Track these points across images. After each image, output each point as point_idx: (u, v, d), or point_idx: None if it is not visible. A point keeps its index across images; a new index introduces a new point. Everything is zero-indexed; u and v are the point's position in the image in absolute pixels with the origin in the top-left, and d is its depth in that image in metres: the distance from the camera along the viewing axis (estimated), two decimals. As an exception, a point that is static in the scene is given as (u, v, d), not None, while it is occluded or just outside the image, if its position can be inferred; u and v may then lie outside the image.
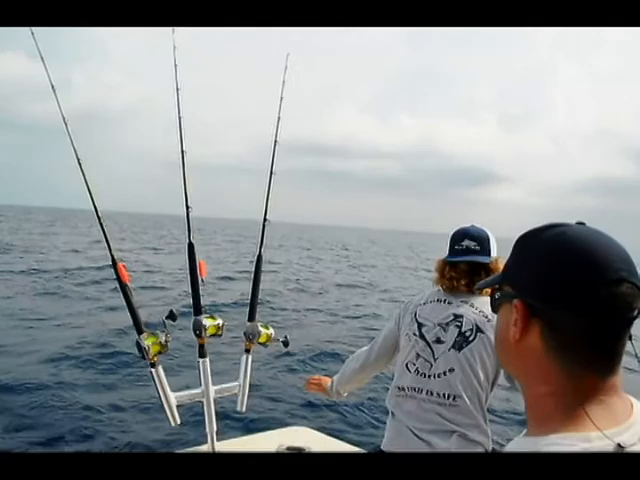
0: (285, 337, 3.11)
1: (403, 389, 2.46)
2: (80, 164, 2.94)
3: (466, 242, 2.48)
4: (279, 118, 3.46)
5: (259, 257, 3.26)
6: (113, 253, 2.90)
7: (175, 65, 3.29)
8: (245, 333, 3.09)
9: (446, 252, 2.57)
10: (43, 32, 3.04)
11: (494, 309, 1.03)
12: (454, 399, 2.33)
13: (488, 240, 2.50)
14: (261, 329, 3.06)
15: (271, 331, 3.11)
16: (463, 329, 2.40)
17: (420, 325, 2.50)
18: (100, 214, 2.95)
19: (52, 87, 3.00)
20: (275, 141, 3.43)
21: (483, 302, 2.43)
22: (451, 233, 2.58)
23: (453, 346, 2.39)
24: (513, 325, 0.94)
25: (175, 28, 3.28)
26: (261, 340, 3.07)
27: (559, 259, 0.90)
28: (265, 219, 3.29)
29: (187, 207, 3.11)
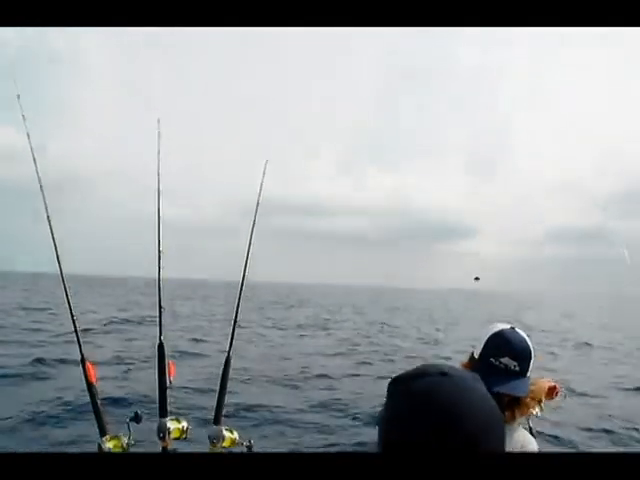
0: (249, 441, 3.08)
1: None
2: (53, 234, 2.98)
3: (506, 360, 2.01)
4: (255, 222, 3.57)
5: (227, 359, 3.26)
6: (83, 351, 2.89)
7: (158, 152, 3.42)
8: (209, 437, 3.05)
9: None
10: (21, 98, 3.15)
11: None
12: None
13: (530, 358, 2.05)
14: (225, 433, 3.03)
15: (235, 435, 3.08)
16: None
17: None
18: (75, 317, 2.98)
19: (32, 153, 3.07)
20: (254, 221, 3.53)
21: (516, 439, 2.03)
22: (490, 333, 2.08)
23: None
24: None
25: (160, 118, 3.45)
26: (225, 444, 3.04)
27: (417, 425, 0.92)
28: (236, 317, 3.32)
29: (160, 306, 3.15)
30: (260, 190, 3.56)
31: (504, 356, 2.00)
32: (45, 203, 3.03)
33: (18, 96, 3.09)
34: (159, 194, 3.29)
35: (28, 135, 3.12)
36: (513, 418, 2.01)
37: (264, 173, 3.63)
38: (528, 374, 2.03)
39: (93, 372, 2.88)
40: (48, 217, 3.01)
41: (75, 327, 2.95)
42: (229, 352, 3.28)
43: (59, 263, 3.02)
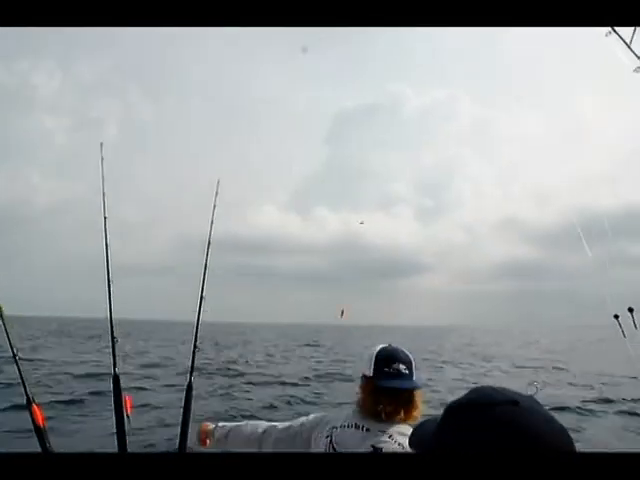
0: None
1: None
2: None
3: (397, 365, 2.42)
4: (210, 242, 3.57)
5: (189, 386, 3.21)
6: (29, 393, 2.76)
7: (102, 177, 3.38)
8: None
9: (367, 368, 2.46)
10: None
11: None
12: None
13: (414, 364, 2.48)
14: None
15: None
16: None
17: (335, 451, 2.39)
18: (16, 353, 2.85)
19: None
20: (207, 256, 3.53)
21: (401, 432, 2.35)
22: (375, 351, 2.50)
23: None
24: None
25: (103, 142, 3.42)
26: None
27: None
28: (195, 345, 3.30)
29: (112, 337, 3.07)
30: (211, 228, 3.54)
31: (395, 362, 2.43)
32: None
33: None
34: (105, 230, 3.24)
35: None
36: (402, 414, 2.37)
37: (217, 193, 3.62)
38: (414, 377, 2.45)
39: (41, 415, 2.74)
40: None
41: (19, 368, 2.81)
42: (190, 379, 3.22)
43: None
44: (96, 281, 3.24)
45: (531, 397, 1.05)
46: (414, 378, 2.45)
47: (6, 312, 2.92)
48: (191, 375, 3.21)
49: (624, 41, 2.62)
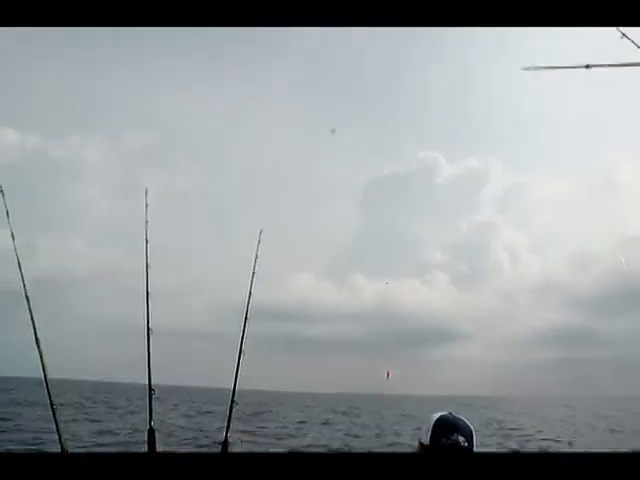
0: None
1: None
2: (38, 343, 2.99)
3: (455, 437, 2.24)
4: (250, 293, 3.61)
5: (225, 442, 3.31)
6: (63, 442, 2.88)
7: (146, 233, 3.50)
8: None
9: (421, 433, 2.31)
10: (13, 201, 3.24)
11: None
12: None
13: (474, 437, 2.30)
14: None
15: None
16: None
17: None
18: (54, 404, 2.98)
19: (19, 265, 3.12)
20: (246, 318, 3.58)
21: None
22: (434, 419, 2.33)
23: None
24: None
25: (147, 190, 3.57)
26: None
27: None
28: (231, 412, 3.35)
29: (150, 389, 3.14)
30: (249, 297, 3.61)
31: (454, 434, 2.24)
32: (31, 311, 3.07)
33: (7, 214, 3.13)
34: (147, 295, 3.34)
35: (16, 251, 3.17)
36: None
37: (259, 241, 3.68)
38: (475, 449, 2.26)
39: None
40: (35, 332, 3.06)
41: (55, 418, 2.94)
42: (226, 436, 3.28)
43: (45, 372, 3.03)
44: (133, 345, 3.31)
45: None
46: (474, 451, 2.26)
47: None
48: (227, 433, 3.26)
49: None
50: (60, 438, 2.89)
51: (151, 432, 3.02)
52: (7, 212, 3.19)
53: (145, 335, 3.33)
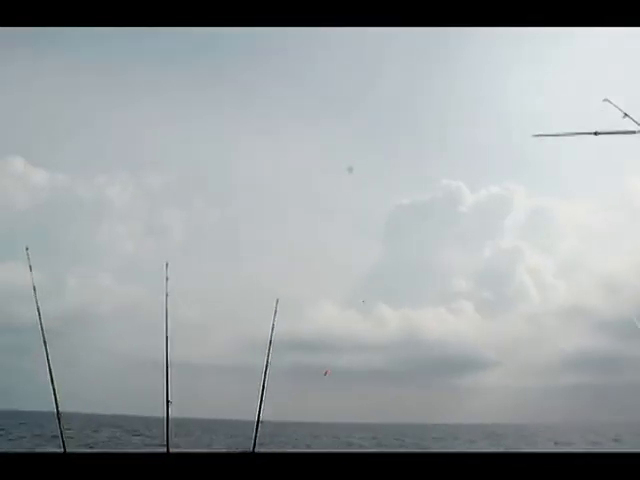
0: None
1: None
2: (53, 383, 3.05)
3: None
4: (269, 361, 3.66)
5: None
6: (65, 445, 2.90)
7: (166, 305, 3.60)
8: None
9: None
10: (37, 244, 3.32)
11: None
12: None
13: None
14: None
15: None
16: None
17: None
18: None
19: (38, 311, 3.21)
20: (268, 361, 3.59)
21: None
22: None
23: None
24: None
25: (168, 263, 3.71)
26: None
27: None
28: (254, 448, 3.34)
29: (168, 420, 3.15)
30: (272, 330, 3.67)
31: None
32: (47, 353, 3.16)
33: (27, 248, 3.27)
34: (167, 339, 3.41)
35: (34, 288, 3.27)
36: None
37: (275, 312, 3.76)
38: None
39: None
40: (50, 368, 3.13)
41: (59, 420, 2.98)
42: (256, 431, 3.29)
43: (57, 408, 3.08)
44: (154, 380, 3.33)
45: None
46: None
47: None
48: (258, 422, 3.26)
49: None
50: (62, 438, 2.94)
51: (168, 432, 3.08)
52: (30, 267, 3.33)
53: (164, 372, 3.38)
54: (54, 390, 2.93)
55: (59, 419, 2.83)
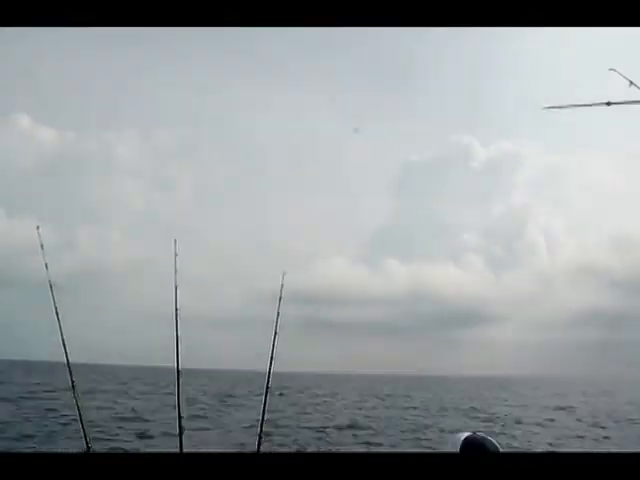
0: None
1: None
2: (62, 332, 3.10)
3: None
4: (276, 332, 3.67)
5: (259, 438, 3.36)
6: (88, 440, 2.94)
7: (175, 280, 3.61)
8: None
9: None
10: (54, 195, 3.36)
11: None
12: None
13: None
14: None
15: None
16: None
17: None
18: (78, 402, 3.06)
19: (45, 266, 3.22)
20: (278, 313, 3.60)
21: None
22: (460, 441, 2.10)
23: None
24: None
25: (177, 240, 3.74)
26: None
27: None
28: (265, 400, 3.41)
29: (179, 410, 3.29)
30: (282, 283, 3.71)
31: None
32: (54, 303, 3.21)
33: (37, 227, 3.31)
34: (176, 290, 3.47)
35: (46, 266, 3.30)
36: None
37: (282, 285, 3.81)
38: None
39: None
40: (57, 313, 3.20)
41: (80, 416, 3.00)
42: (261, 428, 3.38)
43: (67, 359, 3.15)
44: (167, 333, 3.41)
45: None
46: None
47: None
48: (261, 428, 3.33)
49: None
50: (85, 437, 2.89)
51: (180, 433, 3.20)
52: (46, 265, 3.36)
53: (175, 349, 3.44)
54: (63, 341, 2.99)
55: (70, 370, 2.87)
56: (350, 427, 22.13)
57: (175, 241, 3.70)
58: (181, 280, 3.45)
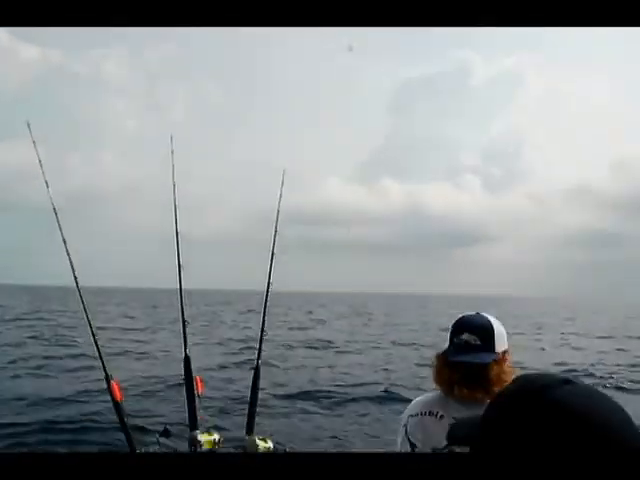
0: (284, 450, 3.17)
1: None
2: (69, 255, 3.00)
3: (465, 336, 2.06)
4: (276, 230, 3.60)
5: (257, 369, 3.25)
6: (107, 371, 2.90)
7: (172, 166, 3.45)
8: (244, 447, 2.99)
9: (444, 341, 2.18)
10: (37, 119, 3.23)
11: None
12: None
13: (492, 333, 2.07)
14: (259, 442, 2.97)
15: (270, 444, 3.02)
16: None
17: (412, 446, 2.08)
18: (96, 336, 2.97)
19: (46, 184, 3.10)
20: (275, 231, 3.53)
21: None
22: (453, 322, 2.17)
23: None
24: None
25: (172, 135, 3.53)
26: None
27: (568, 439, 0.84)
28: (263, 327, 3.33)
29: (184, 322, 3.16)
30: (279, 200, 3.58)
31: (464, 332, 2.06)
32: (59, 225, 3.06)
33: (28, 124, 3.13)
34: (175, 209, 3.35)
35: (47, 183, 3.14)
36: (480, 394, 1.99)
37: (282, 183, 3.65)
38: (496, 351, 2.05)
39: (119, 391, 2.88)
40: (63, 239, 3.05)
41: (97, 346, 2.95)
42: (258, 362, 3.27)
43: (77, 284, 3.07)
44: (168, 255, 3.35)
45: (580, 380, 0.94)
46: (495, 350, 2.05)
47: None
48: (259, 357, 3.28)
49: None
50: (129, 436, 2.83)
51: (187, 359, 3.10)
52: (46, 182, 3.14)
53: (177, 269, 3.32)
54: (71, 264, 2.86)
55: (80, 296, 2.80)
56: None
57: (171, 137, 3.53)
58: (180, 202, 3.33)
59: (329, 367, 15.52)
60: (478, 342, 2.04)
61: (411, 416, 2.14)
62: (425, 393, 2.25)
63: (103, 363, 2.91)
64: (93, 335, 2.98)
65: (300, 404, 10.73)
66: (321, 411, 10.35)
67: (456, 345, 2.08)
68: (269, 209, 3.68)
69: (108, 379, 2.89)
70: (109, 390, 2.87)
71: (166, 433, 2.80)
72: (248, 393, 3.20)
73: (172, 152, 3.52)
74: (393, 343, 22.50)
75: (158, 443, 2.78)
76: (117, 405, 2.85)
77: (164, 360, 14.82)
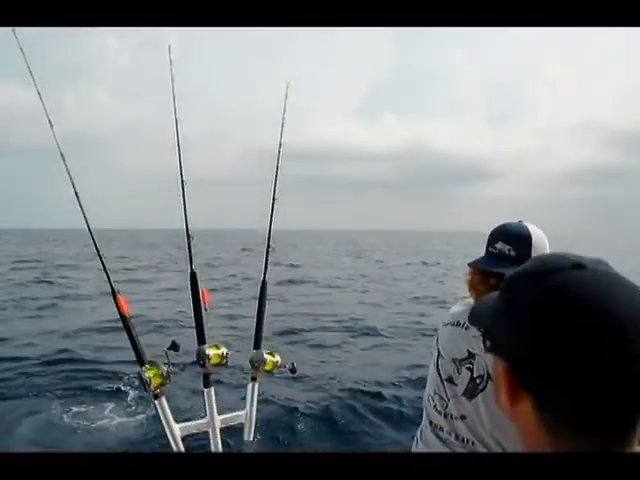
0: (292, 364, 3.08)
1: (430, 423, 2.11)
2: (78, 196, 2.98)
3: (500, 245, 1.92)
4: (281, 144, 3.48)
5: (263, 283, 3.24)
6: (113, 285, 2.89)
7: (172, 89, 3.27)
8: (251, 361, 3.05)
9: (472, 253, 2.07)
10: (27, 54, 2.99)
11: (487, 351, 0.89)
12: (473, 444, 1.97)
13: (530, 243, 1.90)
14: (267, 356, 3.02)
15: (277, 358, 3.07)
16: (475, 374, 1.97)
17: (439, 354, 2.08)
18: (100, 252, 2.96)
19: (49, 123, 3.00)
20: (277, 168, 3.47)
21: None
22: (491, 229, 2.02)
23: (464, 393, 1.99)
24: (501, 390, 0.84)
25: (171, 45, 3.29)
26: (267, 368, 3.03)
27: (561, 327, 0.76)
28: (269, 246, 3.30)
29: (188, 237, 3.14)
30: (281, 132, 3.43)
31: (498, 241, 1.94)
32: (67, 167, 2.95)
33: (21, 49, 2.89)
34: (179, 147, 3.26)
35: (50, 123, 2.96)
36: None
37: (286, 95, 3.47)
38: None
39: (125, 304, 2.87)
40: (72, 181, 2.98)
41: (102, 262, 2.95)
42: (264, 276, 3.26)
43: (85, 217, 3.03)
44: (168, 193, 3.30)
45: (600, 259, 0.85)
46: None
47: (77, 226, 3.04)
48: (265, 272, 3.27)
49: None
50: (138, 351, 2.83)
51: (193, 275, 3.09)
52: (50, 122, 2.98)
53: (179, 187, 3.29)
54: (81, 206, 2.82)
55: (93, 238, 2.77)
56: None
57: (169, 47, 3.29)
58: (181, 140, 3.22)
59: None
60: (512, 253, 1.90)
61: (444, 324, 2.10)
62: (462, 301, 2.16)
63: (109, 277, 2.90)
64: (97, 251, 2.96)
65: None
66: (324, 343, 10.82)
67: (489, 254, 1.96)
68: (272, 144, 3.54)
69: (114, 293, 2.88)
70: (116, 304, 2.86)
71: (174, 347, 2.85)
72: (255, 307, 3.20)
73: (171, 62, 3.28)
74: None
75: (167, 356, 2.80)
76: (124, 318, 2.85)
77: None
